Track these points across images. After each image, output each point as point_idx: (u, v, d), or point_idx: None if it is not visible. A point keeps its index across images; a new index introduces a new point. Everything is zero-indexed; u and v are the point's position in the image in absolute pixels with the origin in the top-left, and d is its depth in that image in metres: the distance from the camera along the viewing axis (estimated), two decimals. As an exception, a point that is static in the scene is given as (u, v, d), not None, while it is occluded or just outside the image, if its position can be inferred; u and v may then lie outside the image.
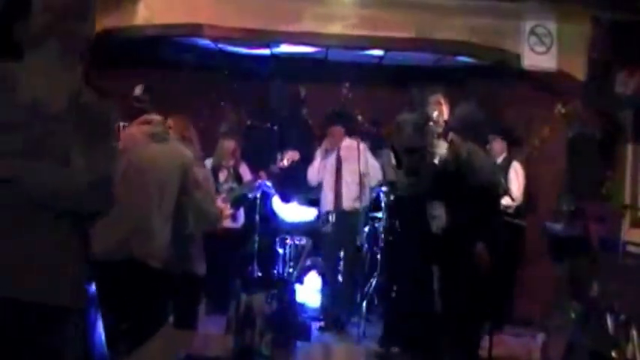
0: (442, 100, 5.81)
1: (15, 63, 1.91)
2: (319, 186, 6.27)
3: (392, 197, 5.65)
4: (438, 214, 4.49)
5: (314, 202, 6.65)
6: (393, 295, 5.21)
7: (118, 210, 2.03)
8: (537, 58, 5.34)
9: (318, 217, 6.38)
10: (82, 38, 2.00)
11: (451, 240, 4.19)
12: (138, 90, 5.53)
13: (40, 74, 1.88)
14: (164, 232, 3.24)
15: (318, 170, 6.09)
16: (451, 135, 4.38)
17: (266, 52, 6.85)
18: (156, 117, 3.50)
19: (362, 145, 5.77)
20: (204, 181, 3.73)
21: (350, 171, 5.84)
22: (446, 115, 5.79)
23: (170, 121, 3.66)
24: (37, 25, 1.92)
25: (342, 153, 5.99)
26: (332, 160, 6.08)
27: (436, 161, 5.02)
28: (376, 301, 6.14)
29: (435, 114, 5.76)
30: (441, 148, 5.64)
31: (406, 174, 4.95)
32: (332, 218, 6.04)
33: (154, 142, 3.37)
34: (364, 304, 5.74)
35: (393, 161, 5.43)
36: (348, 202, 6.00)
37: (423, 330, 4.57)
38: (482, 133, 4.38)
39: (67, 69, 1.94)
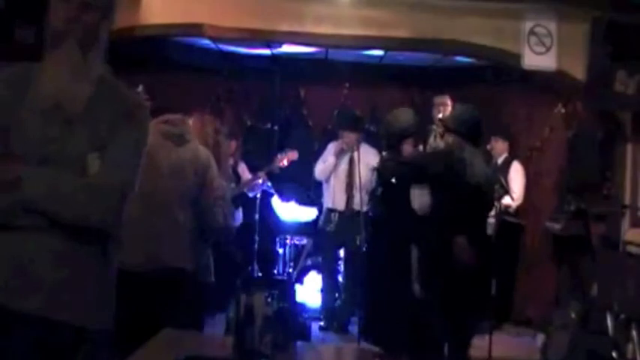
0: (448, 102, 5.82)
1: (34, 63, 1.85)
2: (320, 185, 6.26)
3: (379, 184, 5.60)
4: (420, 194, 4.52)
5: (313, 202, 6.66)
6: (371, 281, 5.15)
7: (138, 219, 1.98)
8: (537, 58, 5.34)
9: (318, 217, 6.38)
10: (103, 33, 1.92)
11: (432, 224, 4.20)
12: (139, 90, 5.53)
13: (61, 74, 1.81)
14: (186, 239, 3.15)
15: (330, 169, 6.07)
16: (448, 135, 4.37)
17: (266, 52, 6.85)
18: (176, 116, 3.31)
19: (373, 151, 5.78)
20: (219, 188, 3.48)
21: (363, 175, 5.83)
22: None
23: (191, 121, 3.45)
24: (57, 19, 1.82)
25: (357, 157, 5.92)
26: (345, 161, 6.06)
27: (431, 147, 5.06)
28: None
29: (440, 115, 5.76)
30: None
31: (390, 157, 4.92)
32: (335, 217, 6.04)
33: (173, 144, 3.17)
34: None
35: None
36: (356, 205, 6.00)
37: (401, 317, 4.49)
38: (480, 135, 4.37)
39: (89, 67, 1.86)
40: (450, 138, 4.33)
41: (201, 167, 3.22)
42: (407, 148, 4.82)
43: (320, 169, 6.13)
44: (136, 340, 2.15)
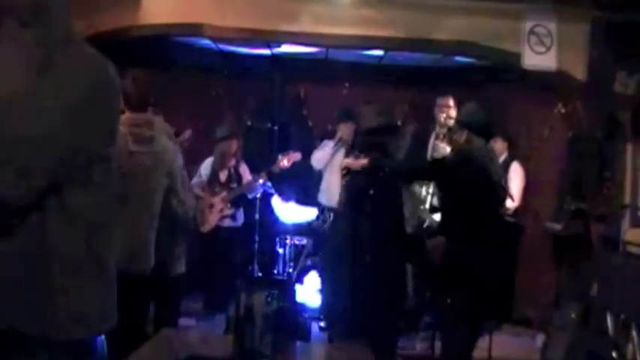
0: (451, 103, 5.80)
1: None
2: (317, 184, 6.24)
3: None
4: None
5: (313, 202, 6.66)
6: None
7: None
8: (537, 58, 5.34)
9: (318, 217, 6.37)
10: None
11: (457, 221, 4.13)
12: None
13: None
14: (152, 237, 3.18)
15: (327, 157, 5.99)
16: (462, 133, 4.28)
17: (266, 52, 6.85)
18: (141, 116, 3.27)
19: None
20: (180, 170, 3.54)
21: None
22: (454, 118, 5.77)
23: (153, 118, 3.43)
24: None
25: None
26: (342, 153, 6.00)
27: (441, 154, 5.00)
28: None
29: (443, 116, 5.75)
30: (443, 151, 5.63)
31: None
32: (329, 216, 6.01)
33: (140, 146, 3.16)
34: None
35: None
36: None
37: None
38: (492, 133, 4.35)
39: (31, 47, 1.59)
40: (469, 136, 4.23)
41: (171, 164, 3.30)
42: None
43: (318, 156, 6.01)
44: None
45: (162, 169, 3.27)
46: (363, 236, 4.74)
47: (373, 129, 4.58)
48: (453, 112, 5.71)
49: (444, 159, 4.67)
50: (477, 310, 4.05)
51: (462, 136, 4.27)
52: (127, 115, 3.17)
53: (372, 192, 4.67)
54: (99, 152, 1.68)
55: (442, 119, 5.73)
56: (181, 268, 3.88)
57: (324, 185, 6.02)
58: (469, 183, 4.07)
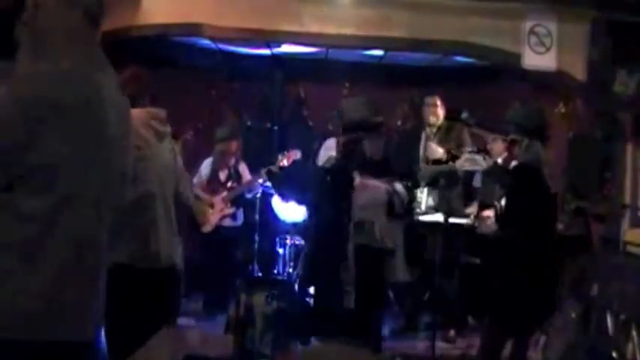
0: (438, 102, 5.80)
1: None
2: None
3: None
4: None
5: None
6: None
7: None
8: (537, 58, 5.34)
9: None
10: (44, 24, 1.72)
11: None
12: None
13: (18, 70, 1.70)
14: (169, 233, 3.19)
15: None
16: (522, 139, 4.03)
17: (266, 52, 6.85)
18: (162, 112, 3.24)
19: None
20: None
21: None
22: (441, 117, 5.77)
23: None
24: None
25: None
26: None
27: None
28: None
29: (431, 116, 5.75)
30: (435, 153, 5.62)
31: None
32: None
33: (158, 141, 3.14)
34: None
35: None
36: None
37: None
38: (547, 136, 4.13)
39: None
40: (529, 142, 4.01)
41: (177, 161, 3.29)
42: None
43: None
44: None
45: (174, 166, 3.28)
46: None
47: (354, 122, 4.32)
48: (441, 112, 5.73)
49: (507, 170, 4.47)
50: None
51: (524, 144, 4.00)
52: (145, 109, 3.13)
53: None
54: None
55: (430, 119, 5.75)
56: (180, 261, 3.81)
57: None
58: (535, 198, 3.98)
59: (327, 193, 4.21)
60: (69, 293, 1.67)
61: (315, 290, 4.40)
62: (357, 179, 4.27)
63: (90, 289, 1.75)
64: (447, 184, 5.24)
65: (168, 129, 3.28)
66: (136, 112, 2.69)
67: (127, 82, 3.09)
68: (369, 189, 4.36)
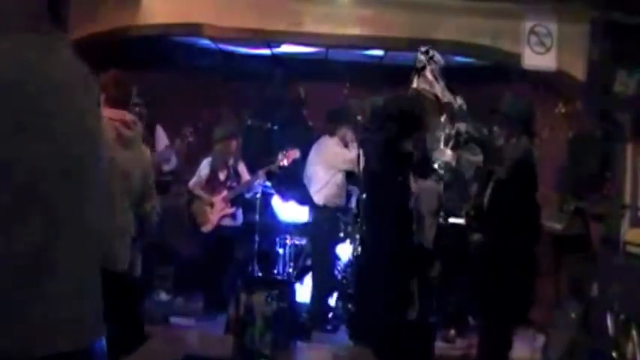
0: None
1: None
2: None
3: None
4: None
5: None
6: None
7: None
8: (537, 58, 5.34)
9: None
10: None
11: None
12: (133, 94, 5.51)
13: None
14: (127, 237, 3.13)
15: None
16: (514, 130, 4.07)
17: (266, 52, 6.85)
18: (128, 115, 3.19)
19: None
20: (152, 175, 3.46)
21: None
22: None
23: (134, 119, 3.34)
24: None
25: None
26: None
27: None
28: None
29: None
30: (445, 156, 5.61)
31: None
32: (318, 215, 6.02)
33: (124, 148, 3.09)
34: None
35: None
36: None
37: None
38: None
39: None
40: (519, 134, 4.04)
41: (148, 169, 3.26)
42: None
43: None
44: None
45: (140, 172, 3.22)
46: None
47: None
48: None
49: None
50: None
51: (512, 141, 4.03)
52: (109, 109, 3.06)
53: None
54: None
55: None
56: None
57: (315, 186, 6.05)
58: (530, 190, 3.97)
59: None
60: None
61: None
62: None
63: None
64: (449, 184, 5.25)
65: (134, 134, 3.21)
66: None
67: (106, 85, 3.10)
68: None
